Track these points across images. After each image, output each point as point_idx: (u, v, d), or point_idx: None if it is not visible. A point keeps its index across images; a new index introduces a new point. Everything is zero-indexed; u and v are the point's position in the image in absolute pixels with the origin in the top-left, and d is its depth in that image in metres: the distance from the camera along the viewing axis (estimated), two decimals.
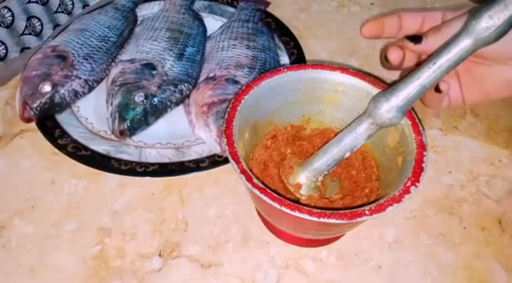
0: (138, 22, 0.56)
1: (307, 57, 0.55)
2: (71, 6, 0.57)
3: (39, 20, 0.54)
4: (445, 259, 0.38)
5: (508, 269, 0.38)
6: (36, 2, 0.53)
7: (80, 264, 0.37)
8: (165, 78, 0.46)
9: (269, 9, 0.59)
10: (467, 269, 0.38)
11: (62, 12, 0.57)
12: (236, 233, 0.39)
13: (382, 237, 0.39)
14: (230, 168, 0.43)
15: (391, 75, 0.50)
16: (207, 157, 0.43)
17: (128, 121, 0.43)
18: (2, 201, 0.41)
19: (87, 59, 0.48)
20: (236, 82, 0.45)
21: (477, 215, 0.41)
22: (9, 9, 0.51)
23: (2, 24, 0.50)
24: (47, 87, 0.44)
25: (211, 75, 0.47)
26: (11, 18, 0.51)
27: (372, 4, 0.64)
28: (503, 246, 0.39)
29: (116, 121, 0.43)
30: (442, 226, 0.40)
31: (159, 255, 0.38)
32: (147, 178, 0.41)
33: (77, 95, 0.46)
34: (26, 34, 0.53)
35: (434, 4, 0.63)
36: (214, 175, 0.43)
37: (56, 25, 0.56)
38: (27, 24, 0.53)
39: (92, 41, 0.49)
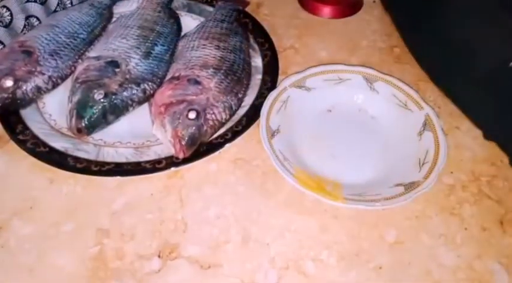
0: (114, 19, 0.55)
1: (308, 56, 0.55)
2: (70, 5, 0.57)
3: (38, 19, 0.54)
4: (446, 260, 0.38)
5: (510, 270, 0.37)
6: (35, 1, 0.53)
7: (78, 264, 0.37)
8: (127, 76, 0.45)
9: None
10: (469, 270, 0.37)
11: None
12: (236, 234, 0.39)
13: (383, 238, 0.39)
14: (230, 167, 0.44)
15: (394, 72, 0.50)
16: (165, 158, 0.42)
17: (86, 119, 0.42)
18: (1, 201, 0.41)
19: (52, 55, 0.47)
20: (198, 82, 0.44)
21: (478, 216, 0.41)
22: (8, 9, 0.50)
23: (1, 23, 0.50)
24: (8, 82, 0.44)
25: (176, 74, 0.46)
26: (9, 17, 0.51)
27: (374, 2, 0.63)
28: (504, 247, 0.39)
29: (73, 118, 0.42)
30: (443, 226, 0.40)
31: (158, 256, 0.38)
32: (145, 177, 0.41)
33: (40, 91, 0.46)
34: (25, 33, 0.53)
35: None
36: (214, 175, 0.43)
37: None
38: (26, 23, 0.53)
39: (60, 37, 0.49)
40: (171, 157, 0.42)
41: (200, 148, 0.42)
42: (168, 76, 0.48)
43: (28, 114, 0.46)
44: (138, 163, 0.42)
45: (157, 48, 0.49)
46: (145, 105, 0.47)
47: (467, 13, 0.45)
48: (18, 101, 0.45)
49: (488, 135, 0.45)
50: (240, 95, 0.47)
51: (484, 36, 0.43)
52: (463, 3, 0.45)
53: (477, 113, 0.46)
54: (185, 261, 0.37)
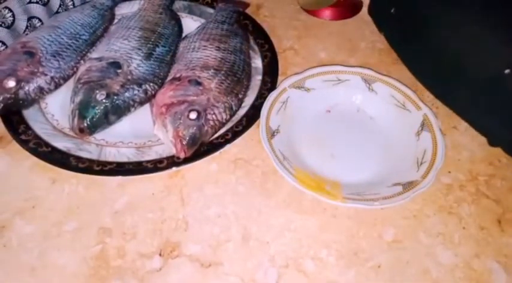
0: (116, 21, 0.55)
1: (307, 57, 0.55)
2: (72, 6, 0.58)
3: (40, 20, 0.54)
4: (445, 258, 0.38)
5: (508, 269, 0.38)
6: (37, 3, 0.53)
7: (80, 263, 0.37)
8: (129, 77, 0.46)
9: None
10: (467, 269, 0.38)
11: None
12: (236, 233, 0.39)
13: (382, 237, 0.39)
14: (231, 167, 0.44)
15: (392, 72, 0.50)
16: (166, 158, 0.42)
17: (88, 119, 0.43)
18: (3, 200, 0.41)
19: (54, 56, 0.47)
20: (199, 83, 0.45)
21: (476, 215, 0.41)
22: (10, 10, 0.51)
23: (3, 25, 0.50)
24: (11, 83, 0.44)
25: (178, 75, 0.47)
26: (11, 18, 0.51)
27: None
28: (502, 246, 0.39)
29: (76, 118, 0.43)
30: (442, 226, 0.40)
31: (160, 255, 0.38)
32: (146, 177, 0.42)
33: (42, 92, 0.46)
34: (27, 34, 0.53)
35: None
36: (215, 175, 0.43)
37: None
38: (28, 25, 0.53)
39: (62, 39, 0.49)
40: (172, 157, 0.42)
41: (201, 148, 0.43)
42: (169, 77, 0.48)
43: (30, 115, 0.46)
44: (140, 163, 0.42)
45: (159, 50, 0.50)
46: (147, 106, 0.47)
47: (458, 26, 0.45)
48: (21, 101, 0.45)
49: (493, 142, 0.46)
50: (240, 96, 0.47)
51: (477, 47, 0.44)
52: (453, 17, 0.46)
53: (479, 122, 0.46)
54: (186, 260, 0.38)
